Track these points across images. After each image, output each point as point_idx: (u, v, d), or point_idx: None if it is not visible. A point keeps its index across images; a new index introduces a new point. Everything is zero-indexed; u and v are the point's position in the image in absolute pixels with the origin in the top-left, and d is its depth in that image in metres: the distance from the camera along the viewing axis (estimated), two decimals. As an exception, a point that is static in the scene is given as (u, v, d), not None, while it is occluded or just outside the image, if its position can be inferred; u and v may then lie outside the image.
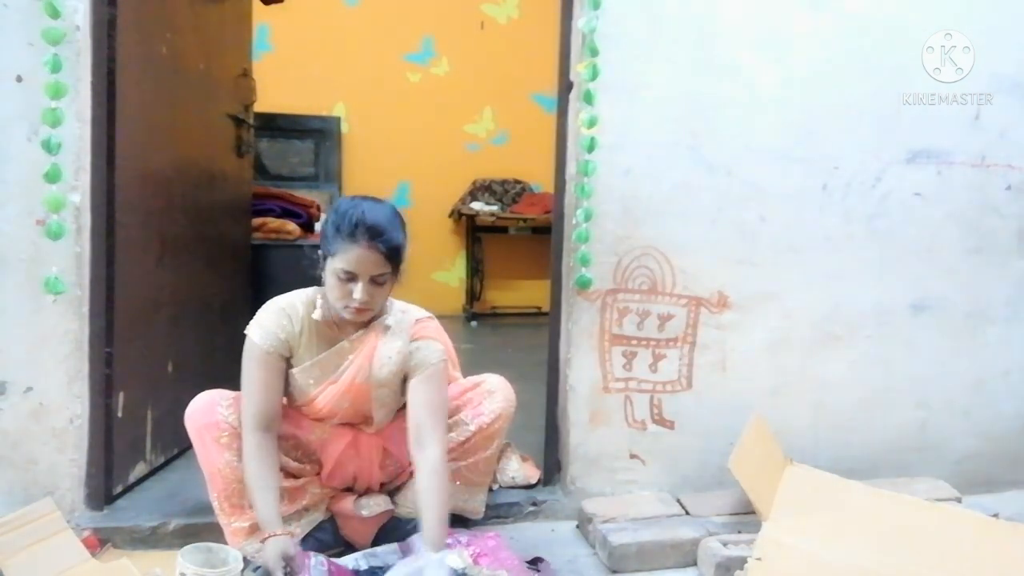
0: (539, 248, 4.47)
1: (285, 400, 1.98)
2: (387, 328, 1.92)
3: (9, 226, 1.97)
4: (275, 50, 5.15)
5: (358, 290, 1.77)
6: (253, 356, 1.86)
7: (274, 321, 1.88)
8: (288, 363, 1.91)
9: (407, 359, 1.92)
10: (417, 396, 1.88)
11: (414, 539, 1.82)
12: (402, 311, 1.98)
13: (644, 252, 2.30)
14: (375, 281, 1.79)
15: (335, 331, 1.92)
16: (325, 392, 1.92)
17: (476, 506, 2.15)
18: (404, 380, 1.94)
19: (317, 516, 2.00)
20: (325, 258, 1.81)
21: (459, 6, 5.63)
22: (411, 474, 2.06)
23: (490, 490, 2.26)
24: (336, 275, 1.78)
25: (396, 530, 2.03)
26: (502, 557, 1.91)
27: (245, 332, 1.89)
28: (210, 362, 2.69)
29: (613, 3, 2.20)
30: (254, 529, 1.88)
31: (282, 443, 1.93)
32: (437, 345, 1.94)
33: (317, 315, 1.88)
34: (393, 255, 1.79)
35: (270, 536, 1.73)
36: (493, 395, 2.07)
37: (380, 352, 1.91)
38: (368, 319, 1.89)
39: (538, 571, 1.94)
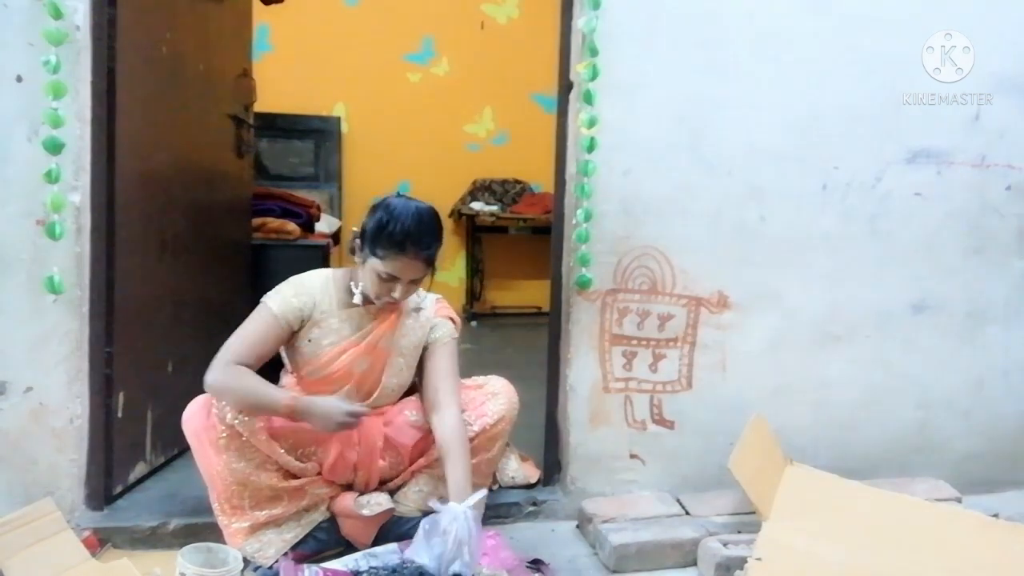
0: (539, 248, 4.46)
1: (291, 372, 2.05)
2: (410, 308, 2.06)
3: (9, 226, 1.97)
4: (275, 50, 5.15)
5: (398, 291, 1.92)
6: (262, 315, 1.93)
7: (292, 294, 1.96)
8: (294, 335, 1.97)
9: (426, 333, 2.07)
10: (435, 364, 2.05)
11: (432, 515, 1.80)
12: (418, 293, 2.07)
13: (644, 252, 2.30)
14: (414, 282, 1.94)
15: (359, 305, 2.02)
16: (348, 352, 1.98)
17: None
18: (418, 358, 2.08)
19: (316, 517, 2.00)
20: (365, 250, 1.92)
21: (459, 6, 5.63)
22: (412, 473, 2.08)
23: (490, 490, 2.26)
24: (378, 274, 1.90)
25: (397, 529, 2.03)
26: (502, 557, 1.92)
27: (263, 299, 1.96)
28: (210, 362, 2.68)
29: (613, 3, 2.20)
30: (254, 529, 1.90)
31: (282, 442, 1.93)
32: (452, 325, 2.12)
33: (358, 299, 1.97)
34: (432, 261, 1.94)
35: (319, 407, 1.85)
36: (497, 397, 2.10)
37: (405, 323, 2.05)
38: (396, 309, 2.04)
39: (539, 571, 1.94)
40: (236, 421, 1.84)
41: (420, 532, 1.75)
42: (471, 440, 2.02)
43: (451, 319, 2.12)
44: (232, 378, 1.85)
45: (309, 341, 1.98)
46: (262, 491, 1.89)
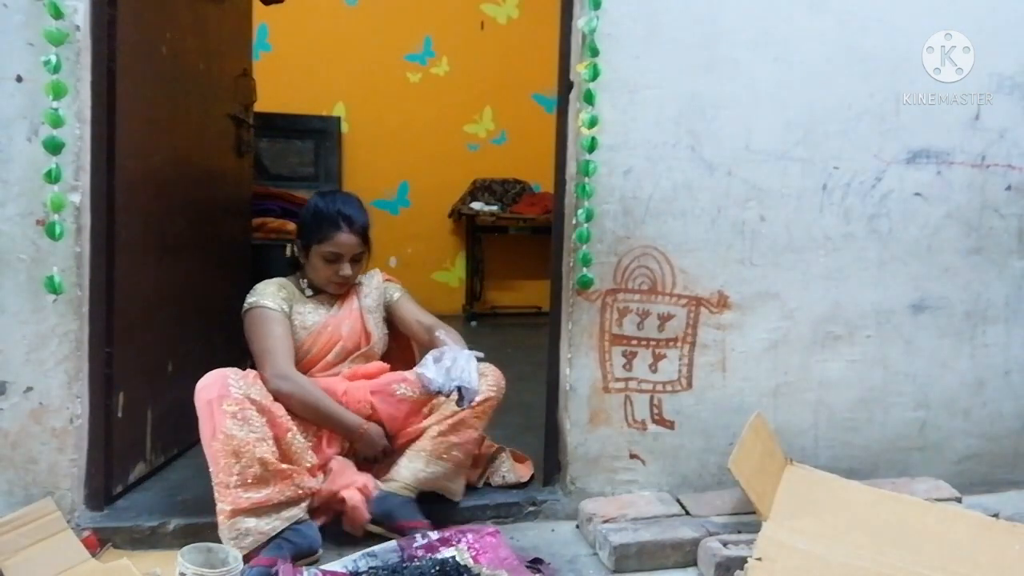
0: (539, 248, 4.47)
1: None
2: (362, 281, 2.36)
3: (9, 226, 1.97)
4: (275, 50, 5.15)
5: (344, 268, 2.21)
6: (267, 317, 2.15)
7: (271, 289, 2.21)
8: (289, 319, 2.19)
9: (383, 293, 2.38)
10: (407, 310, 2.37)
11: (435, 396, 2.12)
12: (365, 274, 2.39)
13: (644, 252, 2.30)
14: (355, 259, 2.23)
15: (319, 292, 2.29)
16: (333, 320, 2.24)
17: (459, 488, 2.24)
18: (384, 317, 2.37)
19: (296, 512, 1.98)
20: (307, 247, 2.22)
21: (459, 6, 5.63)
22: (402, 445, 2.18)
23: (487, 484, 2.37)
24: (323, 258, 2.20)
25: (388, 507, 2.06)
26: (502, 555, 1.92)
27: (245, 310, 2.17)
28: (210, 362, 2.67)
29: (613, 3, 2.20)
30: (235, 513, 1.90)
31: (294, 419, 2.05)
32: (398, 284, 2.44)
33: (309, 292, 2.27)
34: (366, 234, 2.24)
35: (369, 430, 2.12)
36: (485, 377, 2.17)
37: (361, 289, 2.35)
38: (346, 290, 2.31)
39: (539, 571, 1.94)
40: (260, 397, 1.97)
41: (428, 357, 2.04)
42: (461, 415, 2.15)
43: (393, 280, 2.44)
44: (304, 387, 2.09)
45: (303, 315, 2.22)
46: (252, 468, 1.90)
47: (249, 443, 1.90)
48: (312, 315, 2.24)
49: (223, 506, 1.91)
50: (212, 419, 1.91)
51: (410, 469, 2.13)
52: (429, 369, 2.01)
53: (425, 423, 2.19)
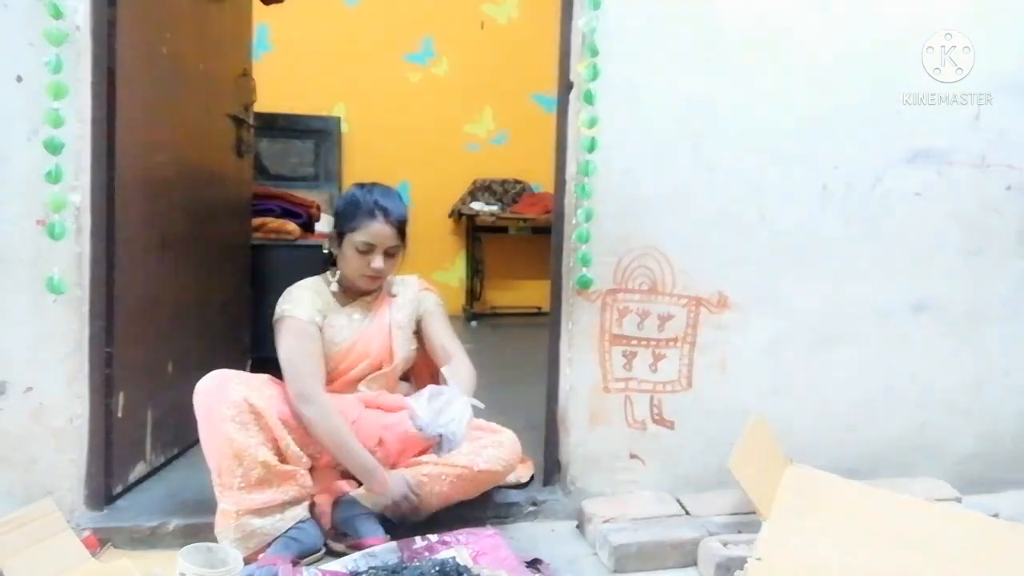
0: (539, 248, 4.46)
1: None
2: (394, 294, 2.28)
3: (10, 226, 1.97)
4: (275, 50, 5.15)
5: (376, 259, 2.12)
6: (297, 330, 2.07)
7: (307, 297, 2.13)
8: (321, 331, 2.13)
9: (417, 306, 2.30)
10: (434, 328, 2.28)
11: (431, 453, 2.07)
12: (401, 280, 2.33)
13: (644, 252, 2.30)
14: (388, 253, 2.15)
15: (352, 297, 2.23)
16: (361, 337, 2.18)
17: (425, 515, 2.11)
18: (414, 331, 2.28)
19: (299, 512, 1.98)
20: (341, 236, 2.15)
21: (459, 6, 5.63)
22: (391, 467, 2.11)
23: None
24: (356, 248, 2.12)
25: (349, 515, 2.04)
26: (501, 556, 1.91)
27: (277, 318, 2.10)
28: (210, 362, 2.67)
29: (613, 3, 2.20)
30: (239, 515, 1.90)
31: (291, 431, 1.99)
32: (435, 295, 2.37)
33: (335, 287, 2.20)
34: (402, 228, 2.17)
35: (385, 475, 2.00)
36: (501, 447, 2.16)
37: (396, 301, 2.27)
38: (380, 285, 2.24)
39: (538, 571, 1.94)
40: (258, 401, 1.93)
41: (425, 391, 1.99)
42: (460, 468, 2.07)
43: (432, 291, 2.37)
44: (328, 416, 2.00)
45: (331, 326, 2.15)
46: (254, 470, 1.90)
47: (250, 446, 1.90)
48: (345, 329, 2.16)
49: (227, 507, 1.90)
50: (212, 422, 1.91)
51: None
52: (421, 405, 1.96)
53: (425, 458, 2.10)
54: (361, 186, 2.21)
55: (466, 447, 2.08)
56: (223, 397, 1.91)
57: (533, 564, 1.96)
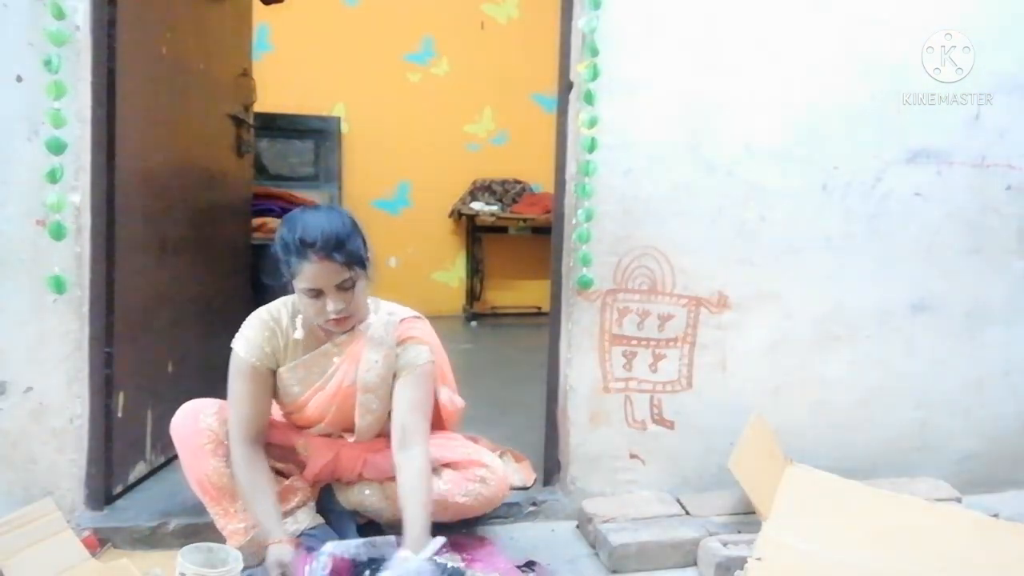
0: (539, 248, 4.46)
1: (275, 407, 2.01)
2: (371, 337, 1.92)
3: (10, 226, 1.97)
4: (275, 50, 5.15)
5: (329, 302, 1.78)
6: (240, 370, 1.88)
7: (259, 334, 1.89)
8: (274, 373, 1.93)
9: (394, 362, 1.92)
10: (402, 396, 1.89)
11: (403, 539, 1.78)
12: (389, 313, 1.97)
13: (644, 252, 2.30)
14: (342, 288, 1.78)
15: (321, 337, 1.93)
16: (315, 398, 1.94)
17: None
18: (391, 388, 1.93)
19: (307, 515, 1.99)
20: (287, 276, 1.81)
21: (459, 6, 5.63)
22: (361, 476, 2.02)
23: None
24: (304, 293, 1.79)
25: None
26: (496, 562, 1.92)
27: (231, 345, 1.90)
28: (210, 362, 2.68)
29: (613, 3, 2.20)
30: (248, 531, 1.89)
31: (270, 450, 1.96)
32: (423, 347, 1.94)
33: (299, 334, 1.88)
34: (349, 258, 1.75)
35: (271, 543, 1.77)
36: (486, 483, 2.01)
37: (366, 357, 1.91)
38: (352, 325, 1.89)
39: (532, 572, 1.94)
40: (224, 435, 1.87)
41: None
42: (435, 495, 1.90)
43: (418, 339, 1.93)
44: (237, 467, 1.83)
45: (283, 374, 1.92)
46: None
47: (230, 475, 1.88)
48: (297, 386, 1.92)
49: (235, 527, 1.89)
50: (194, 457, 1.89)
51: (362, 495, 2.02)
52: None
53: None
54: (287, 220, 1.83)
55: (450, 475, 2.01)
56: (197, 430, 1.88)
57: (528, 566, 1.96)
